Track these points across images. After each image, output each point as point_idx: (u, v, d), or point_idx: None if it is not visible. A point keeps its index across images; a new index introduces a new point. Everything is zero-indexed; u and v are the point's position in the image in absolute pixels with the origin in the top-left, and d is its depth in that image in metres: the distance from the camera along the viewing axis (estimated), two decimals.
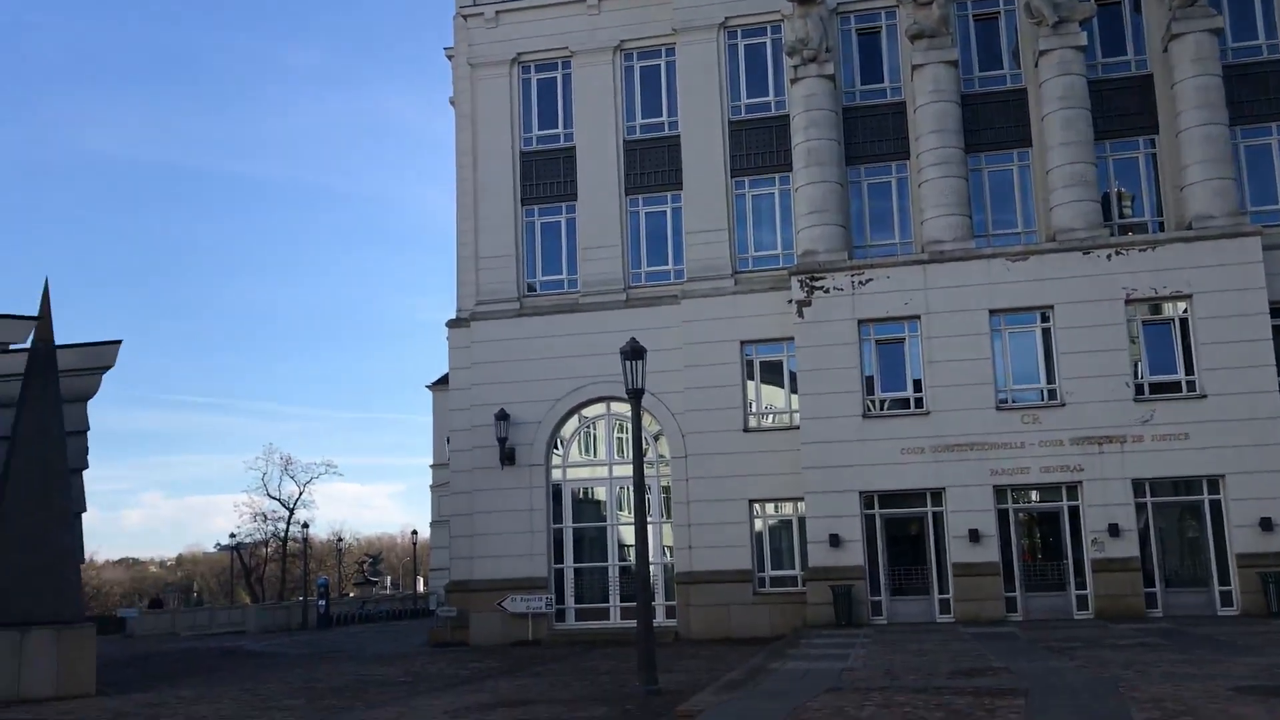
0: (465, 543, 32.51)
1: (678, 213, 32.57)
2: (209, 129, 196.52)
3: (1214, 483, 26.92)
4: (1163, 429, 26.97)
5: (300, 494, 73.20)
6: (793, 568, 30.16)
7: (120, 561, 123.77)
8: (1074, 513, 27.44)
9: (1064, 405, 27.52)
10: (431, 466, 66.84)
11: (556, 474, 32.46)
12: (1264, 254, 27.15)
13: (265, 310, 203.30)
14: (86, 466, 26.60)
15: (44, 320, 24.17)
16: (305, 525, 68.57)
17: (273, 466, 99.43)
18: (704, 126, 32.39)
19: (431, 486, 66.71)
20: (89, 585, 79.10)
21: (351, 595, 76.53)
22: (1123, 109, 30.09)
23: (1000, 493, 27.72)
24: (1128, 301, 27.70)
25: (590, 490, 32.83)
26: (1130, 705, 12.91)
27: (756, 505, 30.48)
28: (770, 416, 31.20)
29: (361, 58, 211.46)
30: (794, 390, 30.06)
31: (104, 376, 26.67)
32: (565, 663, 24.86)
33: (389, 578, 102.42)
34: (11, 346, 23.21)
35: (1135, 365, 27.72)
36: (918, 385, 28.64)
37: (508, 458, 31.99)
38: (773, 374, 31.23)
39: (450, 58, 36.33)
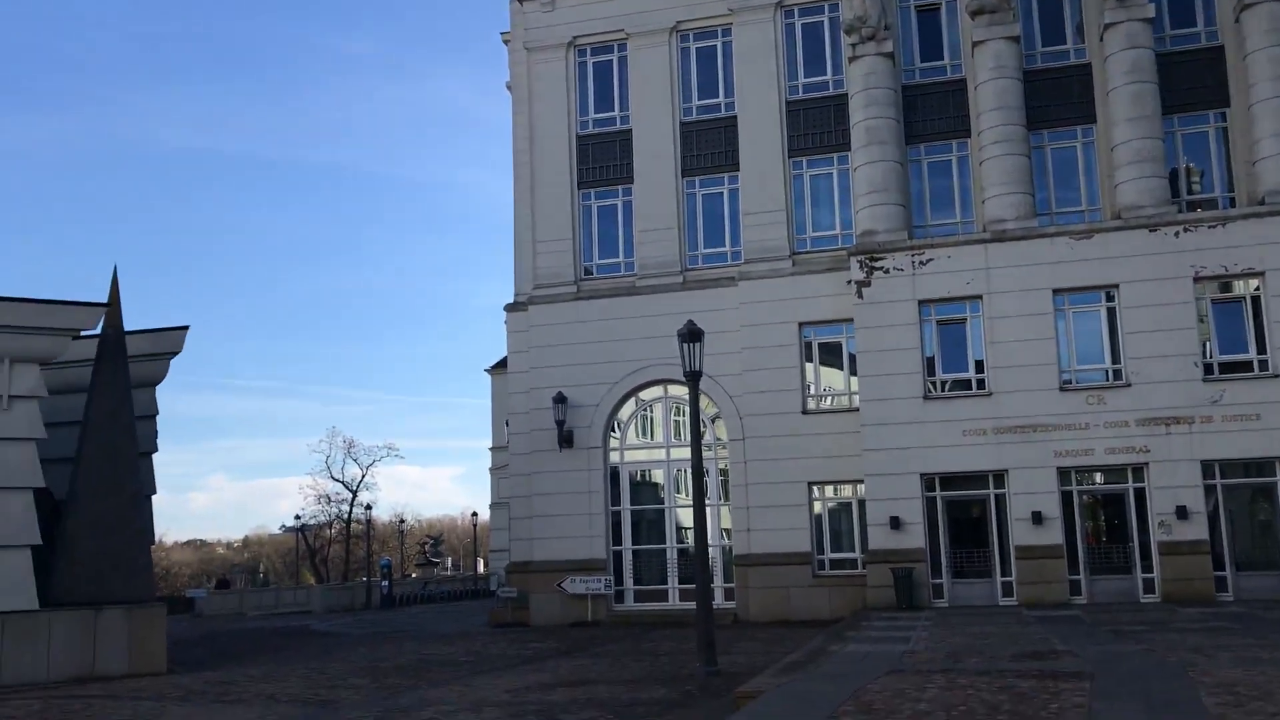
0: (524, 525, 32.77)
1: (735, 194, 32.45)
2: (271, 119, 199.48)
3: None
4: (1233, 409, 26.40)
5: (363, 476, 74.49)
6: (852, 550, 30.04)
7: (189, 543, 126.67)
8: (1140, 495, 26.99)
9: (1129, 386, 27.02)
10: (490, 449, 67.28)
11: (614, 456, 32.59)
12: None
13: (328, 296, 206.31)
14: (156, 450, 27.19)
15: (113, 307, 24.59)
16: (368, 507, 69.50)
17: (336, 449, 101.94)
18: (761, 107, 32.19)
19: (491, 469, 67.18)
20: (159, 566, 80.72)
21: (413, 576, 77.42)
22: (1191, 82, 29.38)
23: (1064, 474, 27.32)
24: (1196, 279, 27.10)
25: (648, 473, 32.90)
26: (1199, 689, 12.60)
27: (815, 487, 30.38)
28: (829, 398, 31.02)
29: (417, 45, 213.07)
30: (853, 372, 29.84)
31: (172, 362, 27.17)
32: (624, 644, 24.97)
33: (450, 559, 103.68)
34: (83, 333, 23.66)
35: (1204, 345, 27.13)
36: (979, 366, 28.30)
37: (566, 440, 32.14)
38: (831, 355, 31.04)
39: (506, 42, 36.46)
